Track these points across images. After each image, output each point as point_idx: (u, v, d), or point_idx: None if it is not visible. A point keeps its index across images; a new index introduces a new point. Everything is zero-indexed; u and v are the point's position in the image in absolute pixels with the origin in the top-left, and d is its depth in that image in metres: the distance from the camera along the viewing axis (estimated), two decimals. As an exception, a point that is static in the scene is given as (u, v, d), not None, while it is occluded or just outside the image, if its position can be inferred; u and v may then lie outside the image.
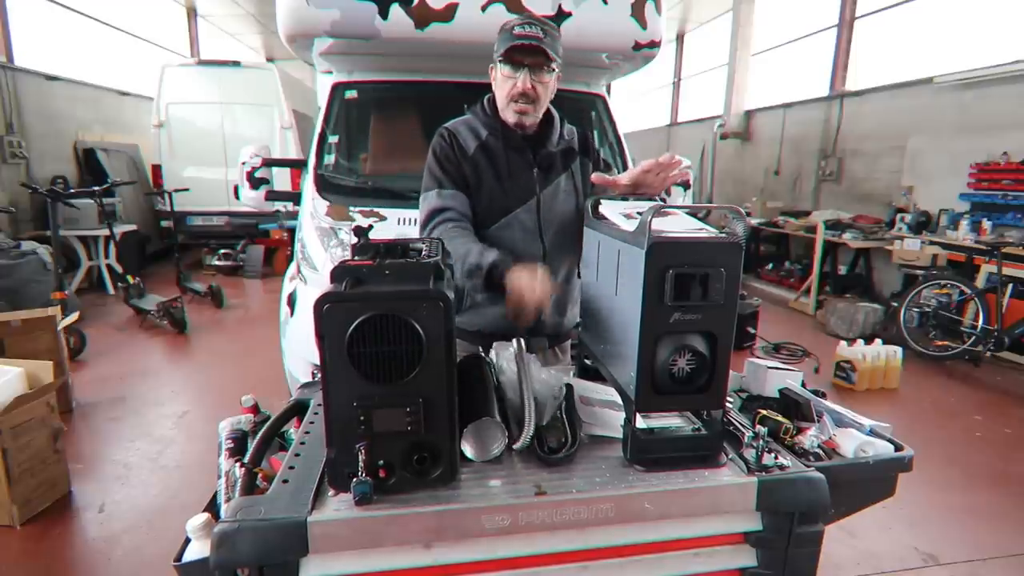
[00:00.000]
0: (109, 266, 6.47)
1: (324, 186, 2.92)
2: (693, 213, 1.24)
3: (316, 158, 3.01)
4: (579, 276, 1.67)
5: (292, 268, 3.04)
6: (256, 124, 7.72)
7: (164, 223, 7.56)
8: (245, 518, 0.88)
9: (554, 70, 1.52)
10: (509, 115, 1.55)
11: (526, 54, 1.46)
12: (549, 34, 1.48)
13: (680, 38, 12.69)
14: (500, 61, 1.49)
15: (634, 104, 14.37)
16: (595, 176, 1.50)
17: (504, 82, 1.51)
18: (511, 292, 1.32)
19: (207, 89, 7.66)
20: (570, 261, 1.69)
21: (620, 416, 1.12)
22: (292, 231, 4.00)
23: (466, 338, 1.65)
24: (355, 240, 1.09)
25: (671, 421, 1.19)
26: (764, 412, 1.23)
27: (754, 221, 7.72)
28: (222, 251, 7.88)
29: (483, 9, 2.46)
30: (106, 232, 5.90)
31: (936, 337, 4.82)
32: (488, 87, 1.60)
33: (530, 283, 1.30)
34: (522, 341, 1.28)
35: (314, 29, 2.49)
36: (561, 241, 1.62)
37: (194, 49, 11.73)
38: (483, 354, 1.37)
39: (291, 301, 2.88)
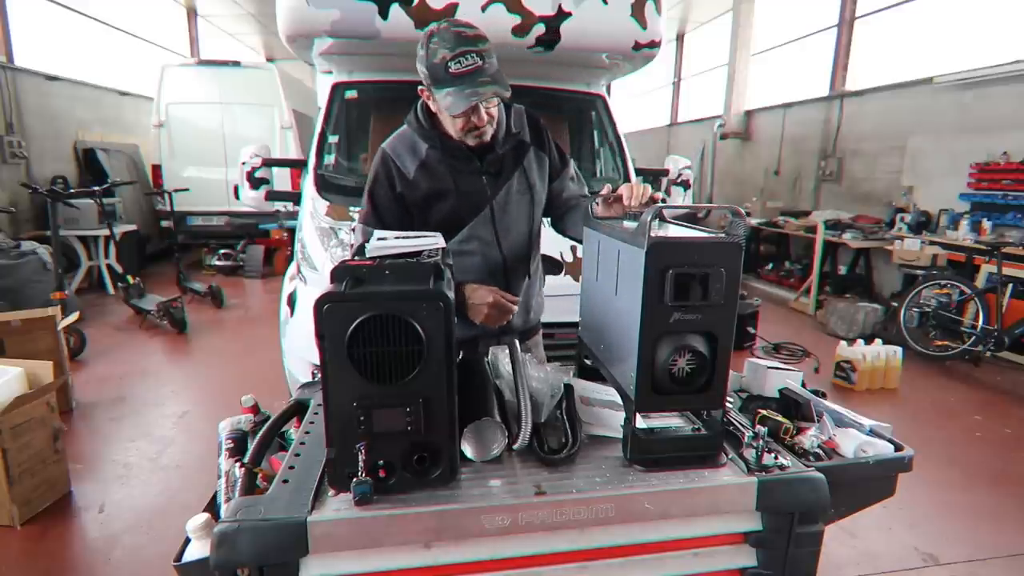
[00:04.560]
0: (109, 266, 6.47)
1: (324, 186, 2.92)
2: (693, 214, 1.25)
3: (316, 158, 3.01)
4: (540, 271, 1.72)
5: (292, 268, 3.04)
6: (256, 124, 7.71)
7: (164, 223, 7.56)
8: (245, 518, 0.89)
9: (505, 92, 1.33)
10: (469, 140, 1.41)
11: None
12: (484, 53, 1.28)
13: (680, 38, 12.68)
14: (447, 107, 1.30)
15: (634, 104, 14.36)
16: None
17: (453, 119, 1.35)
18: (476, 317, 1.39)
19: (207, 89, 7.66)
20: (530, 261, 1.65)
21: (620, 416, 1.12)
22: (292, 231, 4.00)
23: None
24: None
25: (671, 421, 1.20)
26: (764, 412, 1.23)
27: (754, 221, 7.72)
28: (222, 251, 7.87)
29: (483, 9, 2.45)
30: (106, 232, 5.90)
31: (936, 337, 4.81)
32: None
33: (491, 308, 1.37)
34: (516, 342, 1.28)
35: (314, 29, 2.49)
36: (519, 243, 1.58)
37: (194, 49, 11.72)
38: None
39: (291, 301, 2.88)
